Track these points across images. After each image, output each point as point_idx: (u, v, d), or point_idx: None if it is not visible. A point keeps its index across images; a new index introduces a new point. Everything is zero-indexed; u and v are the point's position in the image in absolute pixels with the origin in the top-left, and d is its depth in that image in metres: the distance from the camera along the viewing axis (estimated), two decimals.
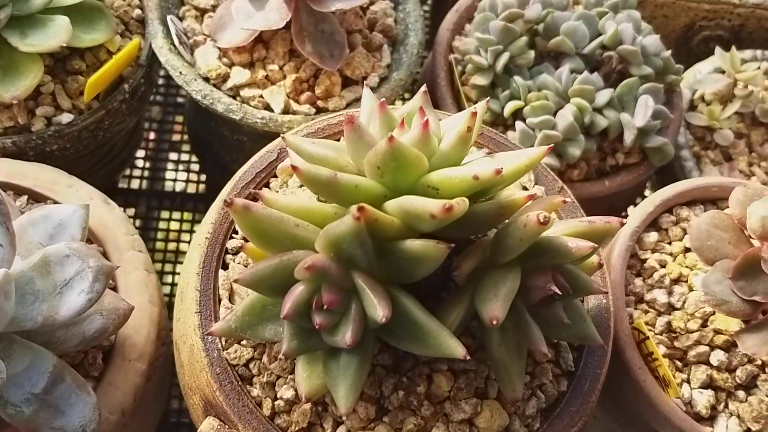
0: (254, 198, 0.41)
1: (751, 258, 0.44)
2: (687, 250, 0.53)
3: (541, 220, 0.34)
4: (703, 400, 0.48)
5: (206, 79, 0.56)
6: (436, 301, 0.38)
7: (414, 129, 0.36)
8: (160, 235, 0.77)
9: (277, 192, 0.46)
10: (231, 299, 0.43)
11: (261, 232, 0.36)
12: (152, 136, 0.83)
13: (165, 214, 0.79)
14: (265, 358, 0.41)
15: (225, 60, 0.57)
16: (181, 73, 0.55)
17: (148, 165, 0.82)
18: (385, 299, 0.34)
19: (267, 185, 0.47)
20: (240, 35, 0.55)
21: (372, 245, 0.34)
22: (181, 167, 0.82)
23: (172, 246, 0.77)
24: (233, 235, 0.45)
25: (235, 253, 0.44)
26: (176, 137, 0.83)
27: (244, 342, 0.41)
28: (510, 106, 0.59)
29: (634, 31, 0.62)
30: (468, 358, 0.34)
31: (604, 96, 0.60)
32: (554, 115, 0.59)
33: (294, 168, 0.34)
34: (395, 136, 0.37)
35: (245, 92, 0.56)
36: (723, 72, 0.74)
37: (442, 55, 0.65)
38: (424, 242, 0.34)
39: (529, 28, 0.63)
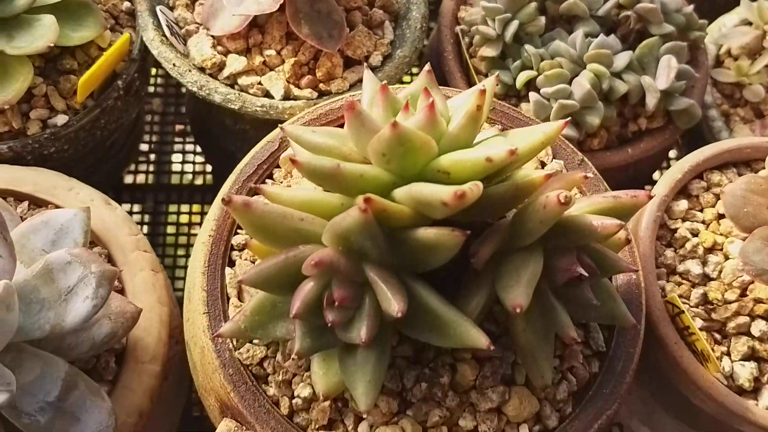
0: (255, 192, 0.39)
1: None
2: (720, 216, 0.50)
3: (562, 200, 0.31)
4: (745, 373, 0.46)
5: (202, 69, 0.54)
6: (455, 287, 0.36)
7: (419, 112, 0.33)
8: (170, 229, 0.76)
9: (281, 183, 0.44)
10: (240, 297, 0.41)
11: (264, 228, 0.34)
12: (155, 128, 0.81)
13: (173, 208, 0.77)
14: (279, 356, 0.39)
15: (220, 48, 0.55)
16: (174, 65, 0.52)
17: (153, 158, 0.80)
18: (400, 292, 0.32)
19: (270, 176, 0.45)
20: (233, 22, 0.52)
21: (382, 236, 0.32)
22: (187, 158, 0.80)
23: (182, 240, 0.76)
24: (238, 231, 0.43)
25: (241, 249, 0.43)
26: (180, 128, 0.81)
27: (256, 340, 0.40)
28: (522, 77, 0.56)
29: None
30: (492, 348, 0.32)
31: (622, 59, 0.56)
32: (570, 83, 0.56)
33: (293, 161, 0.31)
34: (400, 120, 0.35)
35: (243, 80, 0.54)
36: (750, 24, 0.69)
37: (447, 27, 0.61)
38: (438, 230, 0.32)
39: None
